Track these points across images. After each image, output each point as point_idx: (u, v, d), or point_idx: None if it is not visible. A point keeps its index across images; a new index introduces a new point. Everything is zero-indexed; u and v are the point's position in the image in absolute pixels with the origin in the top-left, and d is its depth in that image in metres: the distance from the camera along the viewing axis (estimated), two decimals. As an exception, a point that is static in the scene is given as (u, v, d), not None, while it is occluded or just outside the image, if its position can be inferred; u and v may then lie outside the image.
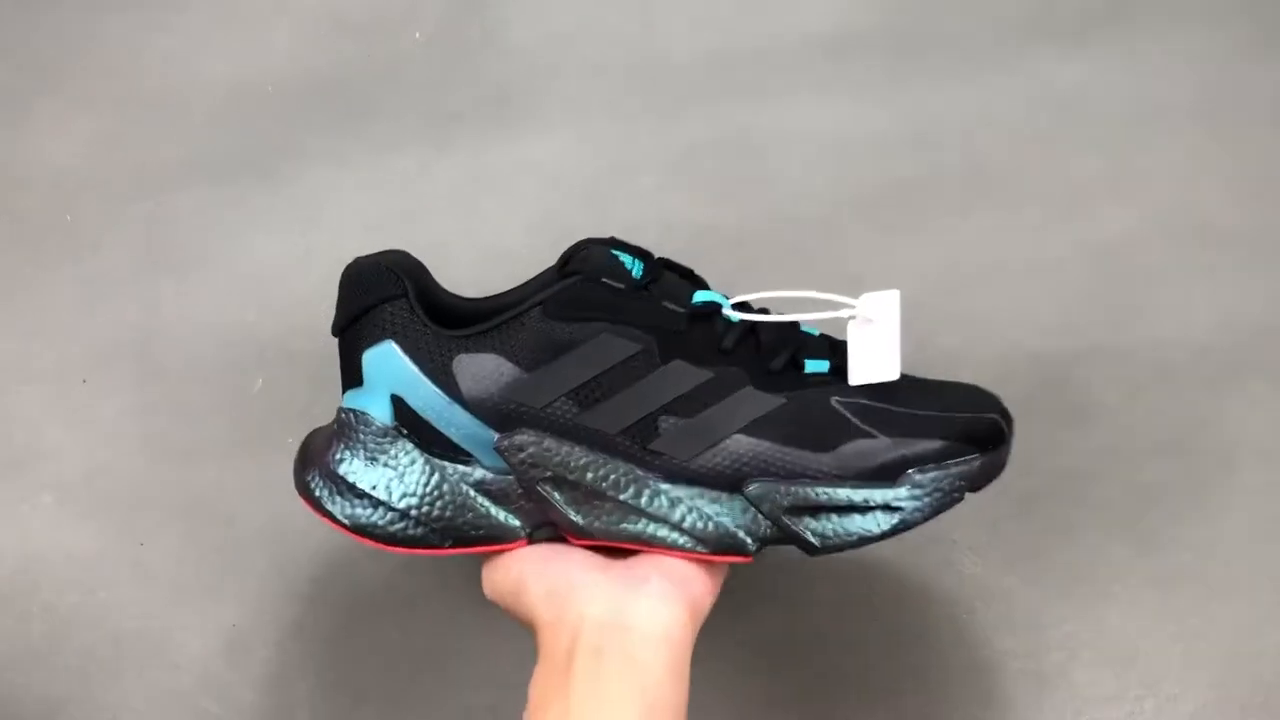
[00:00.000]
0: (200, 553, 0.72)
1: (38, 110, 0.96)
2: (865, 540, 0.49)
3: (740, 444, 0.49)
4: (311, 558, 0.71)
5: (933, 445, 0.50)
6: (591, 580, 0.48)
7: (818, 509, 0.49)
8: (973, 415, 0.51)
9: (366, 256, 0.52)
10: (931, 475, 0.49)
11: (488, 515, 0.50)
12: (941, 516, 0.51)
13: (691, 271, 0.54)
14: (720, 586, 0.52)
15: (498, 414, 0.49)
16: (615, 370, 0.48)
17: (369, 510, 0.50)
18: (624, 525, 0.49)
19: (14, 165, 0.93)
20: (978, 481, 0.51)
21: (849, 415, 0.50)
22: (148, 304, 0.83)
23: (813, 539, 0.49)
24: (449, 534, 0.50)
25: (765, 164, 0.87)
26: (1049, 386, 0.75)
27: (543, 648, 0.47)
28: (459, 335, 0.49)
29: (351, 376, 0.51)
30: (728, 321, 0.51)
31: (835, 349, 0.53)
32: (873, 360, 0.51)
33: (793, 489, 0.49)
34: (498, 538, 0.51)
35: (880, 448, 0.49)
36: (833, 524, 0.49)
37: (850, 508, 0.49)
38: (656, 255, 0.53)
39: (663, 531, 0.49)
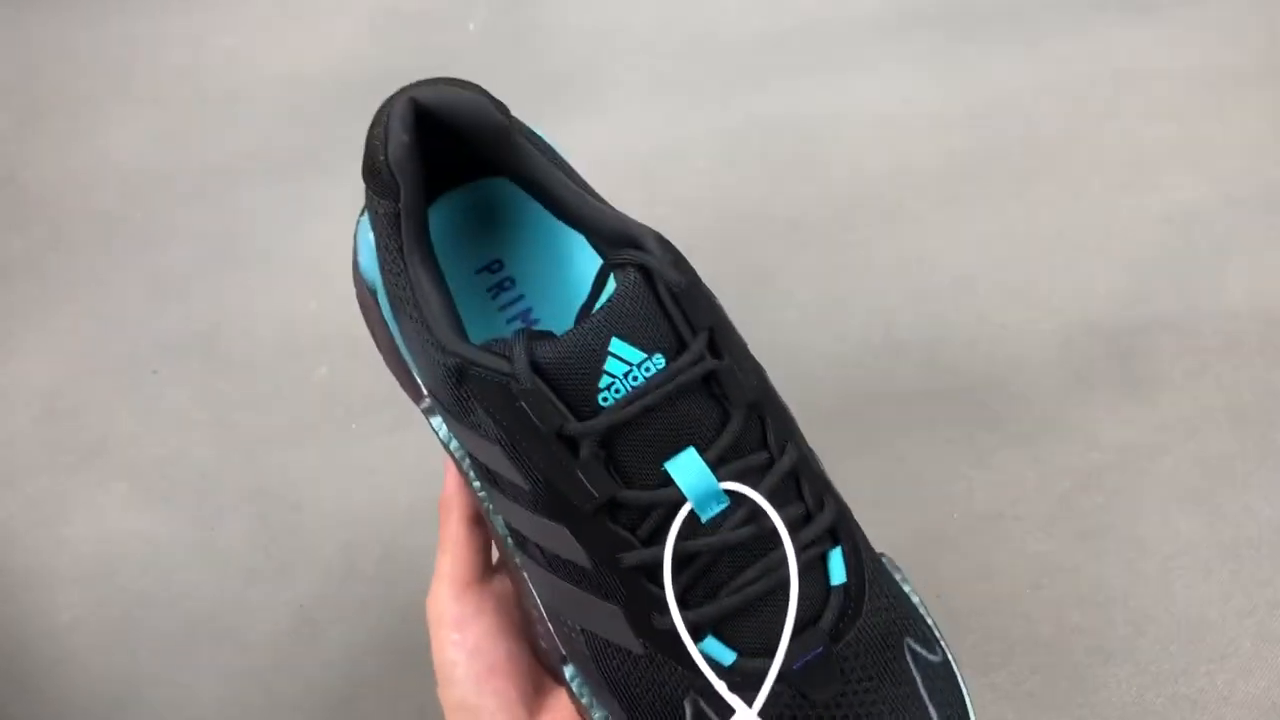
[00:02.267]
0: (269, 536, 0.73)
1: (107, 112, 0.99)
2: None
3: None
4: (377, 538, 0.72)
5: None
6: None
7: None
8: None
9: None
10: None
11: None
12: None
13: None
14: None
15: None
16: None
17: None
18: None
19: (86, 165, 0.96)
20: None
21: None
22: (214, 296, 0.85)
23: None
24: None
25: (818, 143, 0.87)
26: (1114, 359, 0.74)
27: None
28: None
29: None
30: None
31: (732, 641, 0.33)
32: None
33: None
34: None
35: None
36: None
37: None
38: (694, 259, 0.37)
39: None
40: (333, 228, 0.89)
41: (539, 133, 0.41)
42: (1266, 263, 0.76)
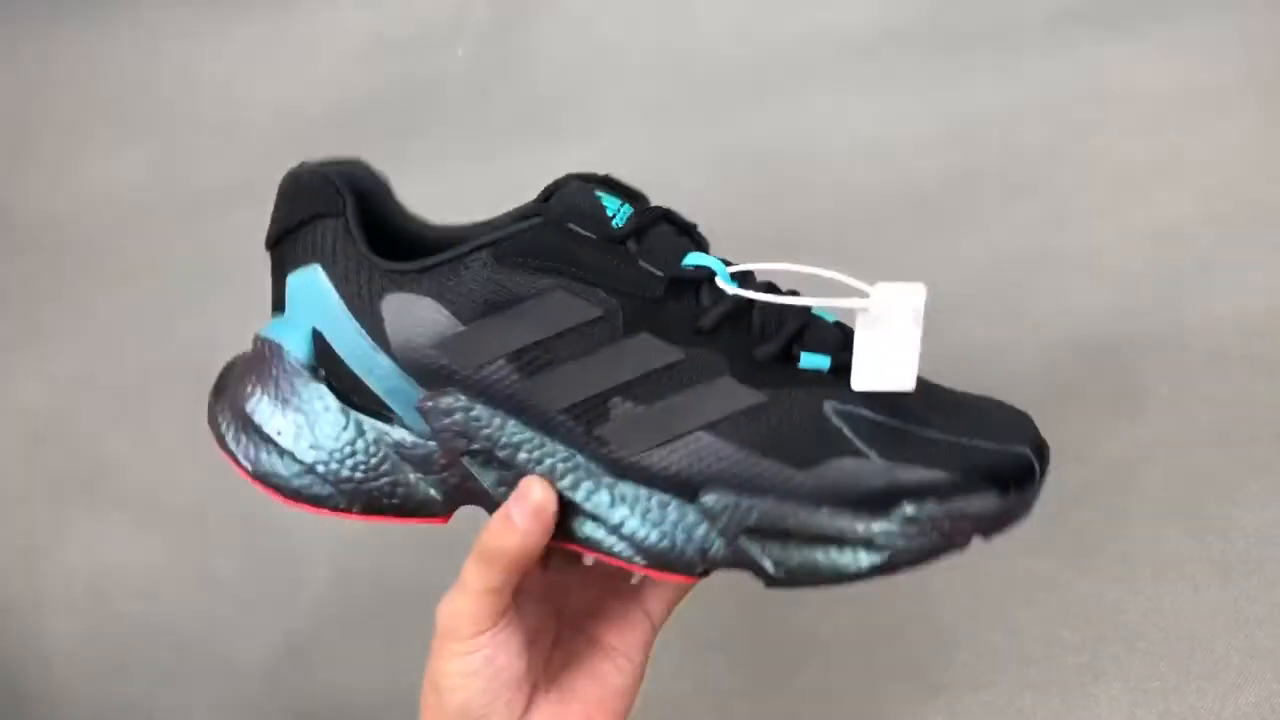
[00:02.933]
0: (262, 563, 0.74)
1: (97, 140, 1.00)
2: (838, 578, 0.39)
3: (702, 443, 0.40)
4: (371, 564, 0.73)
5: (938, 476, 0.39)
6: None
7: (784, 534, 0.39)
8: (998, 446, 0.41)
9: (313, 163, 0.45)
10: (930, 511, 0.39)
11: (405, 483, 0.42)
12: None
13: (694, 228, 0.45)
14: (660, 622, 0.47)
15: (426, 369, 0.41)
16: (567, 336, 0.40)
17: (272, 457, 0.42)
18: (567, 523, 0.42)
19: (77, 193, 0.96)
20: (990, 527, 0.41)
21: (842, 426, 0.40)
22: (205, 322, 0.86)
23: (771, 568, 0.39)
24: (357, 498, 0.42)
25: (806, 163, 0.87)
26: (1100, 374, 0.74)
27: None
28: (394, 270, 0.41)
29: (276, 301, 0.44)
30: (717, 294, 0.41)
31: (846, 343, 0.42)
32: (883, 365, 0.40)
33: (758, 506, 0.39)
34: (413, 510, 0.43)
35: (871, 471, 0.39)
36: (800, 554, 0.39)
37: (823, 538, 0.39)
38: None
39: (599, 534, 0.41)
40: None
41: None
42: (1250, 278, 0.77)
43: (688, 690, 0.66)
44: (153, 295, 0.88)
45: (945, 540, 0.40)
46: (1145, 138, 0.85)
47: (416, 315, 0.41)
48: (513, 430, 0.41)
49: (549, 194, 0.43)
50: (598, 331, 0.40)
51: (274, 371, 0.43)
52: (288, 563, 0.73)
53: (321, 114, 0.97)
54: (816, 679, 0.66)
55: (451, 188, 0.90)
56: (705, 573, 0.41)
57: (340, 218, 0.42)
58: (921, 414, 0.41)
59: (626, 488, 0.41)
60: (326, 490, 0.42)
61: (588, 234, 0.41)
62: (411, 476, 0.42)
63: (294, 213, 0.43)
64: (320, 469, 0.42)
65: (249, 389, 0.43)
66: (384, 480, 0.42)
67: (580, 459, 0.41)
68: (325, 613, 0.71)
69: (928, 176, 0.85)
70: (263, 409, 0.43)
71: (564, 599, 0.47)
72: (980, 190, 0.84)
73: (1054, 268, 0.79)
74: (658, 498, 0.40)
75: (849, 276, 0.41)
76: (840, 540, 0.39)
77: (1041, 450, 0.43)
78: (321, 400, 0.42)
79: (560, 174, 0.45)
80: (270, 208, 0.41)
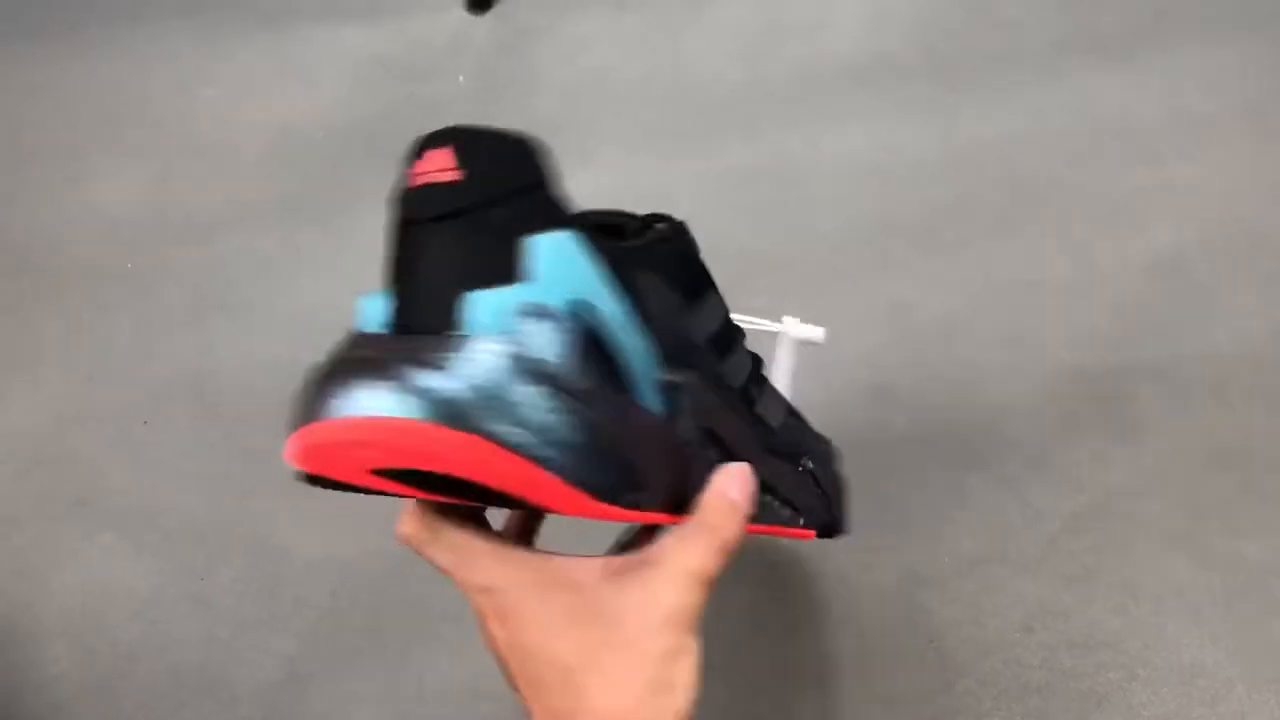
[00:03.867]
0: (258, 586, 0.73)
1: (95, 163, 1.00)
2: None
3: (789, 419, 0.48)
4: (369, 587, 0.72)
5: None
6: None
7: (843, 489, 0.50)
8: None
9: (482, 127, 0.39)
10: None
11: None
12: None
13: None
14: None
15: (665, 344, 0.39)
16: (725, 328, 0.43)
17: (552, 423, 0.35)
18: None
19: (72, 215, 0.96)
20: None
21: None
22: (203, 346, 0.85)
23: (845, 522, 0.50)
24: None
25: (803, 189, 0.88)
26: (1099, 402, 0.74)
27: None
28: (622, 245, 0.39)
29: (491, 269, 0.36)
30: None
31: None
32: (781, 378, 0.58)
33: (833, 467, 0.49)
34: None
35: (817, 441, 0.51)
36: (842, 507, 0.50)
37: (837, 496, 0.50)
38: None
39: (774, 506, 0.46)
40: (320, 277, 0.89)
41: None
42: (1248, 306, 0.77)
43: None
44: (149, 317, 0.88)
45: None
46: (1142, 167, 0.86)
47: (660, 292, 0.39)
48: (724, 408, 0.42)
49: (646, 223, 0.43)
50: (732, 329, 0.44)
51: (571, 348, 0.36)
52: (286, 584, 0.73)
53: (321, 137, 0.97)
54: (814, 707, 0.66)
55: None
56: (812, 530, 0.47)
57: (559, 188, 0.38)
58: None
59: (777, 462, 0.45)
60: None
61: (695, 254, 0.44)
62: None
63: (516, 175, 0.37)
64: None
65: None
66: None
67: (756, 439, 0.45)
68: (324, 635, 0.71)
69: (924, 203, 0.85)
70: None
71: None
72: (977, 217, 0.85)
73: (1051, 296, 0.79)
74: (785, 467, 0.46)
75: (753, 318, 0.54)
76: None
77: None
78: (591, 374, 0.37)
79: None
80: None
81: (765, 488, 0.44)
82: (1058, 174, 0.86)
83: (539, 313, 0.35)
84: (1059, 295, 0.79)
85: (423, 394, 0.33)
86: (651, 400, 0.39)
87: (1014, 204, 0.85)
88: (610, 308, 0.37)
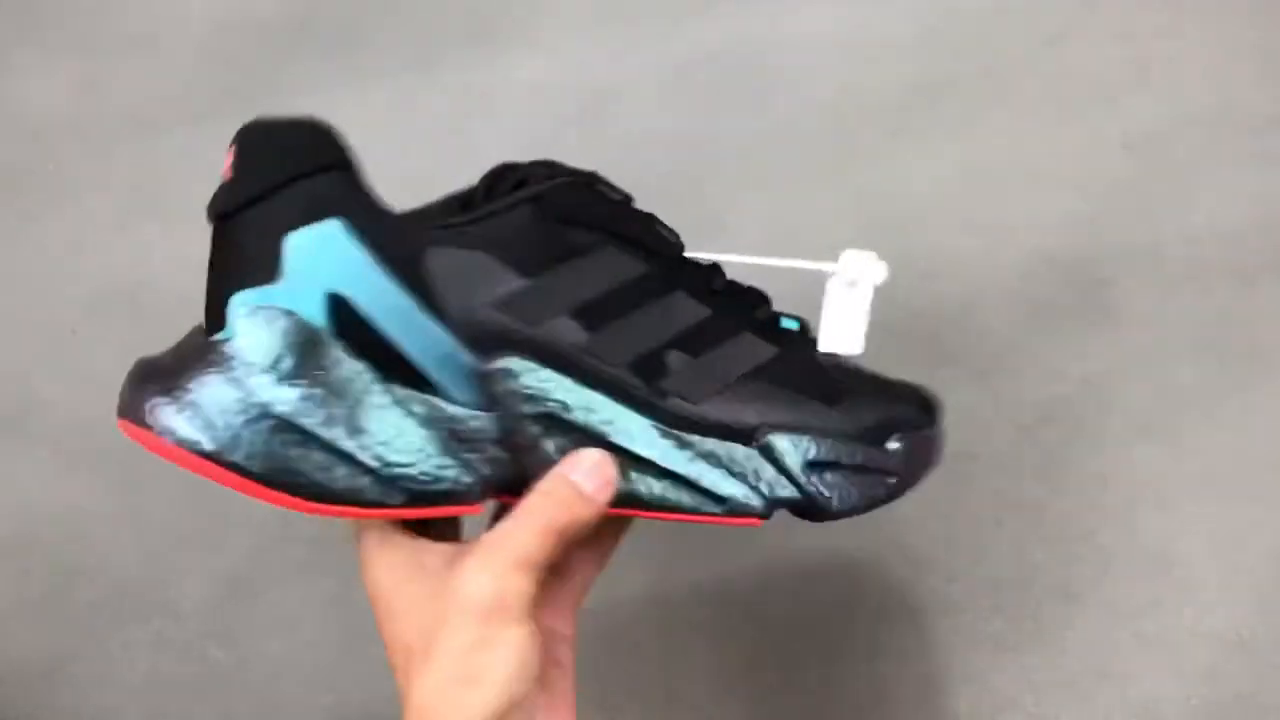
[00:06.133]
0: (199, 499, 0.70)
1: (17, 58, 0.94)
2: (872, 504, 0.44)
3: (750, 390, 0.42)
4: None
5: (908, 410, 0.45)
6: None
7: (835, 466, 0.42)
8: (918, 389, 0.47)
9: (276, 117, 0.39)
10: (907, 442, 0.44)
11: (451, 465, 0.38)
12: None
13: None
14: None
15: (480, 331, 0.38)
16: (620, 291, 0.40)
17: (294, 450, 0.36)
18: (627, 486, 0.41)
19: (-5, 116, 0.91)
20: (940, 451, 0.47)
21: (834, 374, 0.45)
22: (136, 251, 0.81)
23: (832, 499, 0.43)
24: (403, 488, 0.37)
25: (765, 74, 0.83)
26: (1074, 289, 0.71)
27: None
28: (434, 225, 0.38)
29: (256, 268, 0.36)
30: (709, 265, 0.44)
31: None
32: (844, 328, 0.46)
33: (814, 442, 0.42)
34: (453, 496, 0.39)
35: (870, 405, 0.44)
36: (846, 483, 0.43)
37: (860, 468, 0.43)
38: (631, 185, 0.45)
39: (671, 493, 0.41)
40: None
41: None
42: (1229, 185, 0.74)
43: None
44: (79, 222, 0.83)
45: (923, 467, 0.45)
46: (1117, 43, 0.81)
47: (472, 272, 0.38)
48: (581, 391, 0.39)
49: (517, 184, 0.41)
50: (644, 287, 0.41)
51: (284, 345, 0.36)
52: (226, 497, 0.69)
53: (258, 26, 0.92)
54: (781, 609, 0.64)
55: (396, 100, 0.85)
56: (768, 514, 0.43)
57: (350, 169, 0.38)
58: (859, 371, 0.47)
59: (694, 439, 0.41)
60: (365, 482, 0.37)
61: (616, 196, 0.42)
62: (461, 457, 0.38)
63: (282, 167, 0.37)
64: (363, 458, 0.36)
65: (230, 374, 0.35)
66: (431, 464, 0.38)
67: (649, 415, 0.41)
68: (269, 548, 0.68)
69: (892, 85, 0.81)
70: (277, 394, 0.35)
71: None
72: (947, 99, 0.81)
73: (1025, 179, 0.76)
74: (721, 446, 0.41)
75: (806, 261, 0.46)
76: (867, 469, 0.43)
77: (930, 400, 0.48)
78: (360, 377, 0.36)
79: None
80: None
81: (663, 473, 0.41)
82: (1029, 52, 0.82)
83: (257, 311, 0.36)
84: (1032, 178, 0.76)
85: (191, 419, 0.35)
86: (460, 391, 0.38)
87: (986, 84, 0.81)
88: (379, 298, 0.37)
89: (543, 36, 0.87)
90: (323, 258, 0.36)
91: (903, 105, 0.80)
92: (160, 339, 0.76)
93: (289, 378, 0.35)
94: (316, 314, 0.36)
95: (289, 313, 0.36)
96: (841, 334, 0.45)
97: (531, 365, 0.39)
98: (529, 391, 0.39)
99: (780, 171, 0.78)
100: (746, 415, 0.42)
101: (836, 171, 0.78)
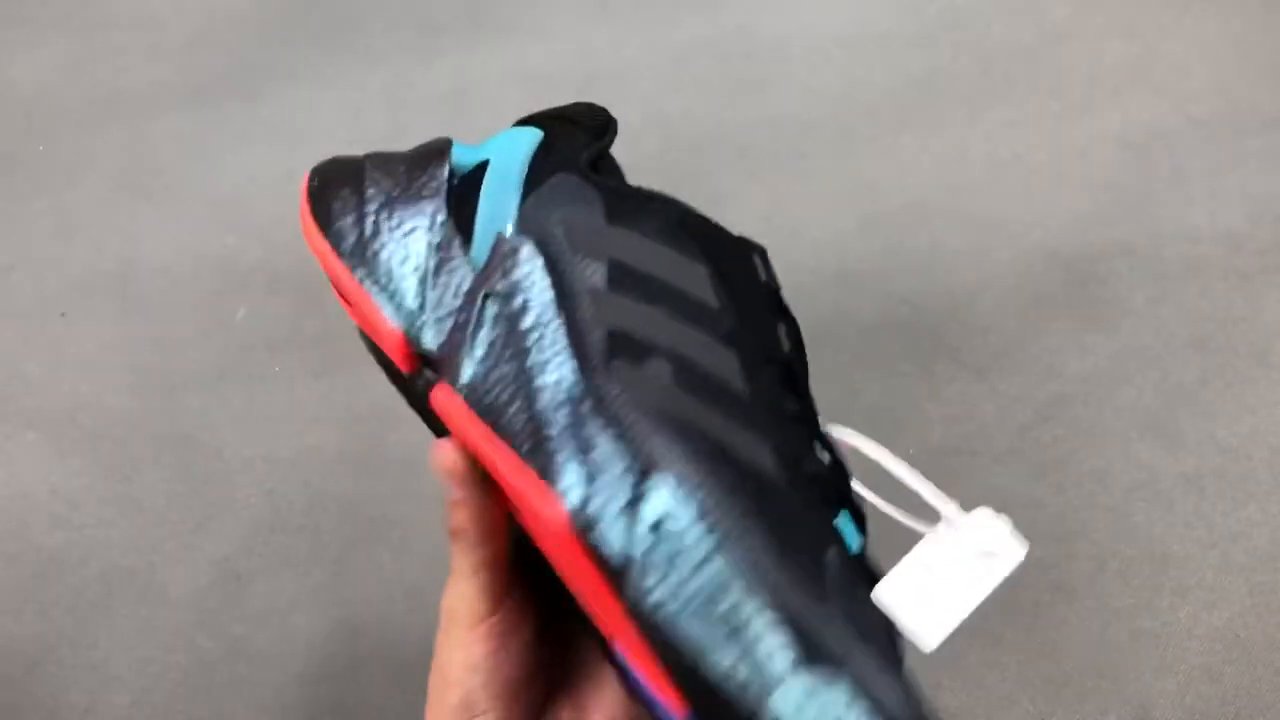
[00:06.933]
0: (189, 486, 0.69)
1: (7, 38, 0.92)
2: None
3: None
4: (304, 486, 0.69)
5: None
6: None
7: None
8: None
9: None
10: None
11: (415, 291, 0.38)
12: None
13: None
14: None
15: (532, 224, 0.37)
16: (677, 292, 0.37)
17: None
18: None
19: (-17, 95, 0.89)
20: None
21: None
22: (126, 233, 0.80)
23: None
24: (375, 280, 0.38)
25: (767, 65, 0.83)
26: (1072, 286, 0.71)
27: None
28: (594, 159, 0.39)
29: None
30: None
31: (862, 527, 0.35)
32: (938, 609, 0.30)
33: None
34: (390, 311, 0.38)
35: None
36: None
37: None
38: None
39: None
40: (251, 158, 0.84)
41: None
42: (1228, 184, 0.74)
43: None
44: (69, 203, 0.82)
45: None
46: (1121, 40, 0.81)
47: (579, 196, 0.37)
48: (549, 302, 0.35)
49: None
50: (707, 317, 0.35)
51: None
52: (218, 484, 0.69)
53: (252, 8, 0.91)
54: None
55: (391, 85, 0.84)
56: None
57: (597, 145, 0.39)
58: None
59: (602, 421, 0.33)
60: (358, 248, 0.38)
61: (763, 277, 0.39)
62: (426, 295, 0.37)
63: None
64: (381, 236, 0.38)
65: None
66: (406, 280, 0.37)
67: (581, 378, 0.34)
68: (260, 536, 0.67)
69: (896, 78, 0.81)
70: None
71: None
72: (948, 94, 0.80)
73: (1026, 175, 0.76)
74: (620, 451, 0.32)
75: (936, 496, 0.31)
76: None
77: None
78: (436, 197, 0.38)
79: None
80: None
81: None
82: (1033, 48, 0.81)
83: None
84: (1033, 174, 0.76)
85: None
86: (479, 251, 0.37)
87: (987, 79, 0.80)
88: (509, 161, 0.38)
89: (543, 24, 0.86)
90: (510, 139, 0.39)
91: (904, 99, 0.80)
92: (150, 321, 0.76)
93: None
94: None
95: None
96: (930, 615, 0.29)
97: (538, 263, 0.36)
98: (515, 276, 0.36)
99: (781, 163, 0.77)
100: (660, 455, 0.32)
101: (837, 164, 0.77)
